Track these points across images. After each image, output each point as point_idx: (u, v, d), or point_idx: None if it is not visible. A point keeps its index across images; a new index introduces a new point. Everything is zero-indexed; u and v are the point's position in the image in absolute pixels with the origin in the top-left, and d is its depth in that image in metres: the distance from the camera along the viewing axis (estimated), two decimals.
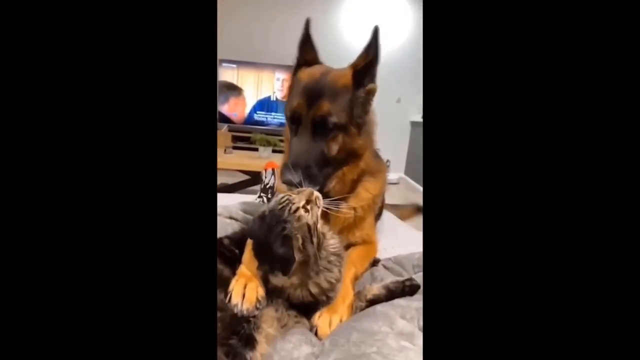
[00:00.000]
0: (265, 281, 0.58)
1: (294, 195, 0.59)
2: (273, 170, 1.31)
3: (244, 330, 0.47)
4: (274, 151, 2.89)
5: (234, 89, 3.93)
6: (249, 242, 0.66)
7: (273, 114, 3.98)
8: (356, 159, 0.76)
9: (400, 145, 4.50)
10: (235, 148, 3.33)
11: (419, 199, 1.55)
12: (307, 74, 0.75)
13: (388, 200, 0.99)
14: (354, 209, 0.77)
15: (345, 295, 0.62)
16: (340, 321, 0.57)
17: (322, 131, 0.70)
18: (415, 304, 0.53)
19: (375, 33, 0.71)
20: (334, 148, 0.71)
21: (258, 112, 3.98)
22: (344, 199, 0.75)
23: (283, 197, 0.58)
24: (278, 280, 0.55)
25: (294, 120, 0.73)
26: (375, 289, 0.61)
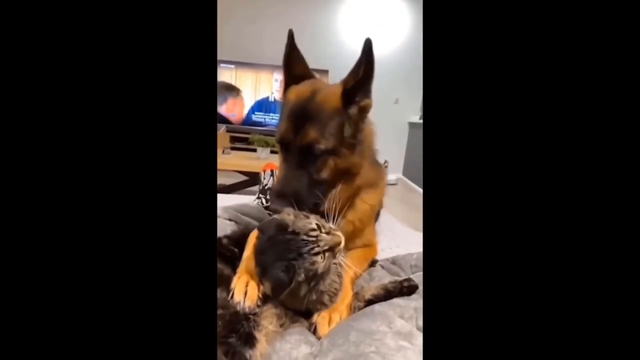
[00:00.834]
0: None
1: (323, 235, 0.56)
2: (272, 171, 1.32)
3: (243, 329, 0.47)
4: (272, 152, 2.89)
5: (232, 90, 3.93)
6: (250, 240, 0.66)
7: (271, 114, 3.98)
8: (351, 176, 0.74)
9: (399, 146, 4.52)
10: (233, 149, 3.33)
11: (417, 200, 1.56)
12: (295, 93, 0.72)
13: (386, 201, 0.99)
14: (352, 222, 0.76)
15: (344, 295, 0.62)
16: (340, 319, 0.57)
17: (310, 158, 0.68)
18: (413, 303, 0.53)
19: (367, 47, 0.66)
20: (324, 173, 0.69)
21: (256, 112, 3.98)
22: (341, 214, 0.72)
23: (314, 232, 0.56)
24: (267, 288, 0.55)
25: (282, 146, 0.70)
26: (374, 289, 0.61)
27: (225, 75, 3.89)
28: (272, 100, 3.96)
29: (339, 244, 0.57)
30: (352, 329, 0.50)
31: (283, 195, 0.66)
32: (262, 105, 3.97)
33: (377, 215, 0.96)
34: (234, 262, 0.63)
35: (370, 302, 0.59)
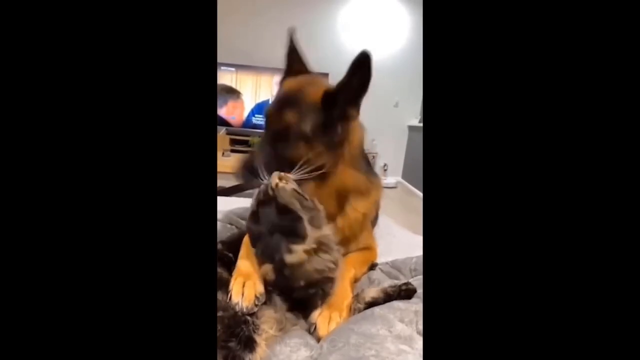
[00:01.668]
0: (265, 279, 0.59)
1: (263, 183, 0.62)
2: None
3: (243, 333, 0.47)
4: None
5: (232, 93, 3.94)
6: (244, 244, 0.67)
7: None
8: (325, 175, 0.74)
9: (398, 149, 4.53)
10: (233, 151, 3.33)
11: (416, 203, 1.56)
12: (288, 84, 0.78)
13: (385, 205, 0.99)
14: (342, 229, 0.76)
15: (344, 296, 0.62)
16: (340, 319, 0.57)
17: (284, 139, 0.72)
18: (414, 307, 0.53)
19: (359, 59, 0.67)
20: (294, 155, 0.71)
21: (256, 115, 3.99)
22: (331, 218, 0.73)
23: (257, 190, 0.62)
24: (294, 256, 0.56)
25: (265, 125, 0.78)
26: (373, 292, 0.61)
27: (225, 78, 3.90)
28: None
29: (277, 174, 0.63)
30: (352, 332, 0.50)
31: (251, 166, 0.72)
32: (262, 108, 3.98)
33: (376, 219, 0.96)
34: (229, 266, 0.63)
35: (369, 305, 0.59)
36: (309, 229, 0.57)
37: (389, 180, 4.27)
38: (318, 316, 0.57)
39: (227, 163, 2.66)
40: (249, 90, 3.96)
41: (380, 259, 0.86)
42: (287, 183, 0.61)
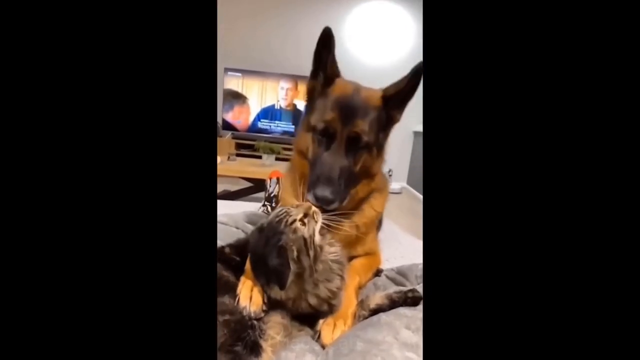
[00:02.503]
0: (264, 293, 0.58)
1: (292, 209, 0.59)
2: (277, 179, 1.32)
3: (249, 337, 0.47)
4: (277, 159, 2.90)
5: (238, 97, 3.97)
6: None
7: (277, 122, 4.01)
8: (369, 178, 0.78)
9: (403, 155, 4.52)
10: (238, 155, 3.35)
11: (421, 209, 1.55)
12: (339, 88, 0.75)
13: (390, 210, 0.99)
14: (357, 226, 0.77)
15: (348, 304, 0.62)
16: (345, 326, 0.57)
17: (354, 148, 0.71)
18: (420, 314, 0.53)
19: (417, 71, 0.71)
20: (359, 166, 0.73)
21: (262, 120, 4.01)
22: (347, 215, 0.75)
23: (281, 210, 0.59)
24: (276, 293, 0.55)
25: (326, 133, 0.72)
26: (378, 299, 0.61)
27: (232, 83, 3.94)
28: (278, 108, 3.99)
29: (309, 207, 0.60)
30: (358, 339, 0.49)
31: (331, 181, 0.68)
32: (268, 113, 4.01)
33: (380, 223, 0.96)
34: (236, 270, 0.63)
35: (374, 312, 0.59)
36: (290, 280, 0.53)
37: (394, 185, 4.25)
38: (323, 324, 0.57)
39: (233, 167, 2.68)
40: (254, 95, 3.98)
41: (385, 265, 0.85)
42: (308, 223, 0.58)
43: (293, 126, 3.98)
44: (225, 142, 3.73)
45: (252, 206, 1.34)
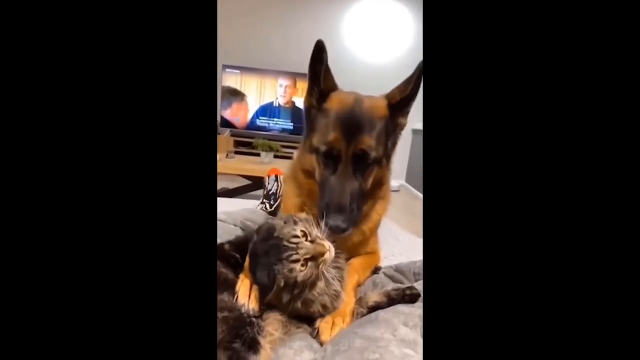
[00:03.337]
0: None
1: (305, 244, 0.55)
2: (276, 176, 1.32)
3: (247, 334, 0.48)
4: (275, 156, 2.90)
5: (236, 95, 3.96)
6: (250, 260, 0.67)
7: (275, 119, 4.00)
8: (379, 188, 0.75)
9: (402, 152, 4.52)
10: (237, 153, 3.35)
11: (419, 207, 1.55)
12: (337, 102, 0.69)
13: (389, 209, 0.99)
14: (363, 231, 0.77)
15: (347, 302, 0.62)
16: (343, 324, 0.57)
17: (362, 166, 0.66)
18: (418, 311, 0.53)
19: (421, 72, 0.67)
20: (369, 182, 0.69)
21: (260, 117, 4.00)
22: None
23: (295, 238, 0.55)
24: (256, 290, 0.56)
25: (330, 156, 0.66)
26: (377, 296, 0.61)
27: (230, 80, 3.92)
28: (277, 105, 3.98)
29: (323, 253, 0.55)
30: (356, 336, 0.50)
31: (342, 208, 0.63)
32: (266, 110, 3.99)
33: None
34: (236, 267, 0.63)
35: (372, 309, 0.59)
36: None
37: (392, 183, 4.25)
38: (321, 321, 0.57)
39: (231, 165, 2.67)
40: (253, 93, 3.97)
41: (384, 263, 0.86)
42: (308, 268, 0.54)
43: (292, 124, 3.97)
44: (223, 139, 3.72)
45: (250, 204, 1.34)
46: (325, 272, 0.56)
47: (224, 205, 1.19)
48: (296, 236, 0.55)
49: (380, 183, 0.74)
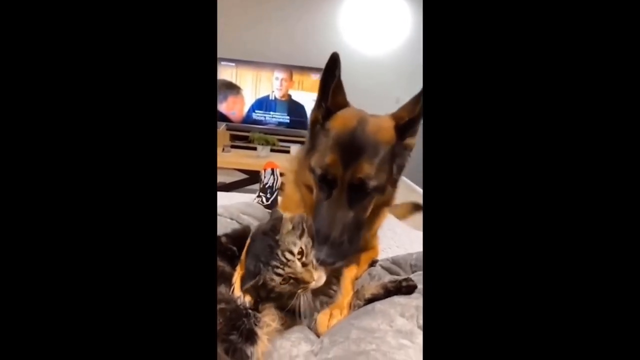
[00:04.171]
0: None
1: (296, 263, 0.52)
2: (272, 170, 1.32)
3: (244, 325, 0.48)
4: (272, 150, 2.89)
5: (232, 88, 3.92)
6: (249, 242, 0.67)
7: (271, 113, 3.97)
8: (383, 207, 0.71)
9: None
10: (233, 147, 3.33)
11: (416, 199, 1.56)
12: (340, 122, 0.64)
13: None
14: (366, 239, 0.76)
15: (345, 294, 0.63)
16: (341, 316, 0.58)
17: (360, 196, 0.61)
18: (414, 302, 0.53)
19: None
20: (368, 211, 0.64)
21: (256, 111, 3.97)
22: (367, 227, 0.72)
23: (290, 254, 0.53)
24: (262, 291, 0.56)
25: (325, 180, 0.62)
26: (373, 288, 0.61)
27: (225, 73, 3.88)
28: (273, 98, 3.95)
29: (307, 283, 0.53)
30: (353, 327, 0.50)
31: (329, 240, 0.58)
32: (263, 104, 3.97)
33: None
34: (232, 260, 0.63)
35: (369, 301, 0.59)
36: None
37: None
38: (319, 313, 0.57)
39: (227, 159, 2.66)
40: (249, 86, 3.94)
41: (381, 255, 0.86)
42: (304, 294, 0.54)
43: (288, 117, 3.95)
44: (219, 133, 3.70)
45: (247, 197, 1.34)
46: (303, 296, 0.55)
47: (220, 199, 1.18)
48: (292, 253, 0.53)
49: (385, 204, 0.70)
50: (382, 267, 0.78)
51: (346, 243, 0.60)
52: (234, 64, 3.88)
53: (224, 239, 0.68)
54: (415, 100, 0.65)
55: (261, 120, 3.97)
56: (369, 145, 0.60)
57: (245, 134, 3.62)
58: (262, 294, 0.54)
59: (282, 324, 0.54)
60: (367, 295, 0.60)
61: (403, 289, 0.59)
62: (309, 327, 0.56)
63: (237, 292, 0.54)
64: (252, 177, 2.69)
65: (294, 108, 3.91)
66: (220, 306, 0.49)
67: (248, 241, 0.62)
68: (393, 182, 0.68)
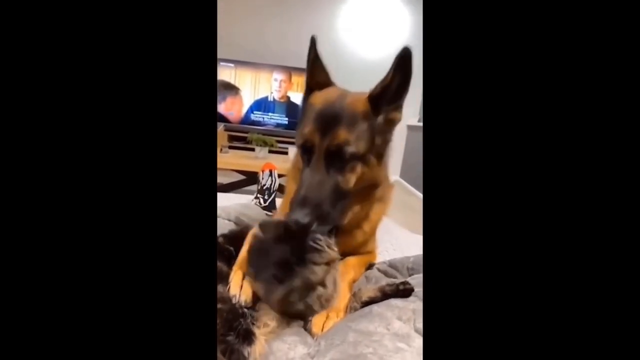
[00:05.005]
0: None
1: (328, 249, 0.54)
2: (270, 171, 1.32)
3: (241, 326, 0.47)
4: (270, 151, 2.89)
5: (231, 88, 3.92)
6: (248, 238, 0.66)
7: (270, 114, 3.97)
8: (374, 189, 0.72)
9: (396, 148, 4.52)
10: (231, 147, 3.33)
11: (414, 202, 1.56)
12: (321, 97, 0.68)
13: None
14: (366, 232, 0.77)
15: (342, 297, 0.62)
16: (337, 318, 0.58)
17: (337, 162, 0.63)
18: (411, 305, 0.53)
19: (401, 56, 0.63)
20: (351, 180, 0.65)
21: (255, 112, 3.98)
22: (359, 225, 0.74)
23: (320, 241, 0.54)
24: (258, 289, 0.56)
25: (306, 149, 0.65)
26: (371, 291, 0.61)
27: (224, 73, 3.88)
28: (271, 99, 3.95)
29: (335, 260, 0.56)
30: (350, 330, 0.50)
31: (305, 203, 0.60)
32: (261, 105, 3.97)
33: None
34: (229, 260, 0.63)
35: (367, 304, 0.59)
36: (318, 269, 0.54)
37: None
38: (316, 316, 0.57)
39: (226, 159, 2.66)
40: (247, 86, 3.94)
41: (378, 258, 0.86)
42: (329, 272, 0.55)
43: (287, 118, 3.95)
44: (217, 134, 3.70)
45: (245, 199, 1.34)
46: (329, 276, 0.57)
47: (218, 200, 1.18)
48: (319, 239, 0.54)
49: (373, 184, 0.72)
50: (379, 270, 0.78)
51: (326, 207, 0.61)
52: (233, 65, 3.88)
53: (221, 240, 0.68)
54: (388, 71, 0.66)
55: (260, 121, 3.97)
56: (345, 114, 0.63)
57: (243, 135, 3.62)
58: (305, 293, 0.54)
59: (279, 324, 0.54)
60: (364, 298, 0.60)
61: (400, 292, 0.59)
62: (304, 329, 0.56)
63: (233, 290, 0.54)
64: (250, 178, 2.69)
65: (292, 109, 3.91)
66: (217, 306, 0.49)
67: (244, 254, 0.61)
68: (378, 155, 0.68)
